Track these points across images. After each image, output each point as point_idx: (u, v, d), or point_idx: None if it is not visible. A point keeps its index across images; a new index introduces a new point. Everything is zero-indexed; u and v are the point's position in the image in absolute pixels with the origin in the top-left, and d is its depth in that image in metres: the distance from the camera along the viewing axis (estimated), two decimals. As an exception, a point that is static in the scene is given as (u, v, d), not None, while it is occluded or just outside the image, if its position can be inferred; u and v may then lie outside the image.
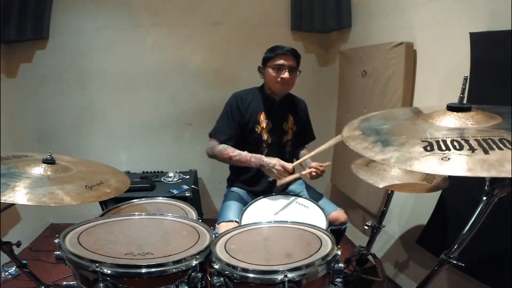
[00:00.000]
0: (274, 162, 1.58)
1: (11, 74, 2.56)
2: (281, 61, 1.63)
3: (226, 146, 1.66)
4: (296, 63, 1.67)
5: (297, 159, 1.80)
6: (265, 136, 1.72)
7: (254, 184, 1.79)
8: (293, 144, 1.81)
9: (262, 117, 1.72)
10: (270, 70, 1.65)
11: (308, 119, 1.92)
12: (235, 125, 1.70)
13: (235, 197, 1.73)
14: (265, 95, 1.75)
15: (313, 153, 1.59)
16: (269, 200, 1.63)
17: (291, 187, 1.84)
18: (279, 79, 1.64)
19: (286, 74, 1.64)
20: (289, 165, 1.59)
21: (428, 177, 1.53)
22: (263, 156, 1.62)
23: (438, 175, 1.53)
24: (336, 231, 1.56)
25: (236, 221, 1.49)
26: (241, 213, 1.51)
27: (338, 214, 1.62)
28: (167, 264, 0.98)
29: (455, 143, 0.79)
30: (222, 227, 1.49)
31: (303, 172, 1.64)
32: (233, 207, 1.64)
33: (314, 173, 1.61)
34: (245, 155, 1.63)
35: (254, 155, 1.63)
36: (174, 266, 0.98)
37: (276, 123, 1.74)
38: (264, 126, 1.72)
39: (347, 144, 0.96)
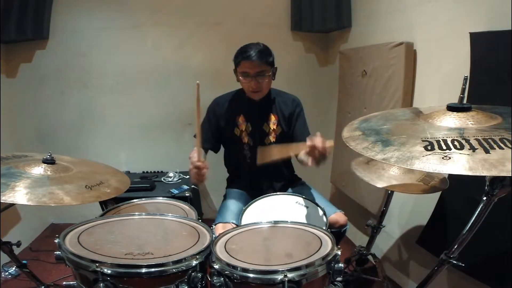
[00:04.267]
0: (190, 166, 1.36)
1: (11, 74, 2.56)
2: (245, 69, 1.52)
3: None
4: (266, 64, 1.53)
5: (299, 161, 1.57)
6: (245, 139, 1.68)
7: (253, 185, 1.78)
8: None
9: (241, 119, 1.67)
10: (238, 76, 1.58)
11: (302, 116, 1.73)
12: (212, 129, 1.68)
13: (234, 198, 1.73)
14: (244, 97, 1.68)
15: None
16: (269, 200, 1.63)
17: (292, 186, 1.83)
18: (248, 87, 1.57)
19: (252, 83, 1.54)
20: (195, 159, 1.33)
21: (426, 178, 1.53)
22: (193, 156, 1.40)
23: (436, 176, 1.53)
24: (336, 233, 1.54)
25: (233, 223, 1.49)
26: (241, 213, 1.51)
27: (337, 216, 1.57)
28: (167, 264, 0.97)
29: (456, 143, 0.80)
30: (219, 228, 1.48)
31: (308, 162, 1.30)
32: (231, 208, 1.63)
33: (313, 158, 1.27)
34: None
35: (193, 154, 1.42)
36: (174, 266, 0.98)
37: (256, 125, 1.68)
38: (244, 129, 1.67)
39: (347, 145, 0.96)
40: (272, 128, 1.69)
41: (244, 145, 1.69)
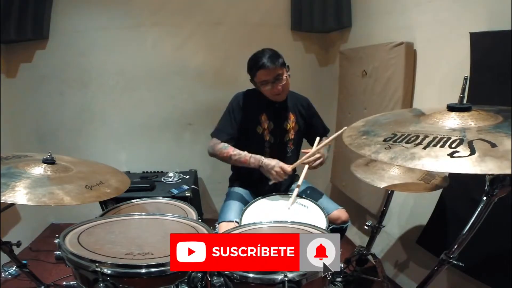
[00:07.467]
0: (273, 163, 1.56)
1: (11, 74, 2.56)
2: (263, 77, 1.58)
3: (226, 145, 1.65)
4: (281, 67, 1.58)
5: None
6: (267, 137, 1.72)
7: (257, 184, 1.78)
8: (295, 142, 1.79)
9: (264, 118, 1.71)
10: (258, 86, 1.65)
11: (315, 114, 1.87)
12: (236, 125, 1.70)
13: (237, 197, 1.73)
14: (265, 97, 1.72)
15: (314, 149, 1.61)
16: (269, 200, 1.63)
17: (293, 186, 1.83)
18: (270, 93, 1.63)
19: (274, 88, 1.60)
20: (288, 167, 1.57)
21: (427, 177, 1.53)
22: (262, 157, 1.60)
23: (437, 175, 1.53)
24: (337, 230, 1.56)
25: (236, 222, 1.49)
26: (241, 213, 1.51)
27: (339, 213, 1.62)
28: (167, 264, 0.97)
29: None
30: (222, 226, 1.49)
31: (303, 175, 1.63)
32: (234, 206, 1.63)
33: (310, 166, 1.62)
34: (244, 155, 1.62)
35: (253, 155, 1.61)
36: (174, 266, 0.98)
37: (277, 123, 1.73)
38: (266, 127, 1.71)
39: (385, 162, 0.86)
40: (291, 126, 1.77)
41: (265, 143, 1.73)
